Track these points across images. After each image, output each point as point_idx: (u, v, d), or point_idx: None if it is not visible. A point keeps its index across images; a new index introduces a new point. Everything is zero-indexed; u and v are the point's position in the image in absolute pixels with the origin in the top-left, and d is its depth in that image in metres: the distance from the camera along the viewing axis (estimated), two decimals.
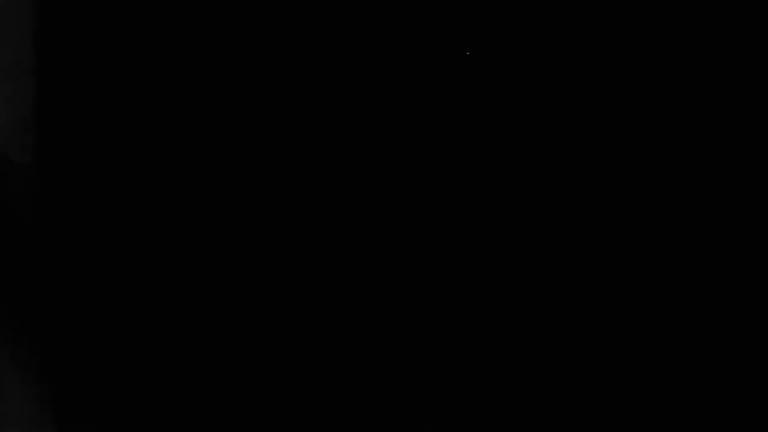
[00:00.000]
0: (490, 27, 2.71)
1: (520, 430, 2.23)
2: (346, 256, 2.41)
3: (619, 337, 2.27)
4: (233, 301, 2.54)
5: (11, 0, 1.51)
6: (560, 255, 2.35)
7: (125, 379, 2.40)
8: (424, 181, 2.33)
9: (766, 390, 2.03)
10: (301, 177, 2.47)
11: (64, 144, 2.30)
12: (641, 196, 2.29)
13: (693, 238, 2.22)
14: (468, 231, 2.40)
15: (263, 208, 2.59)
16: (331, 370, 2.35)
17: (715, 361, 2.16)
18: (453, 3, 2.75)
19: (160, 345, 2.68)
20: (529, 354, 2.28)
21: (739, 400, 2.10)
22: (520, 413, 2.24)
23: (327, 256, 2.41)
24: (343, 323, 2.36)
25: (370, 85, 2.99)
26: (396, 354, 2.32)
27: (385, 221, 2.43)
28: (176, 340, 2.71)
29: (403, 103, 2.87)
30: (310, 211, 2.46)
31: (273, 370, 2.48)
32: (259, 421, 2.50)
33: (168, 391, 2.51)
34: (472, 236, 2.42)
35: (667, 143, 2.41)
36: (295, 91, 2.99)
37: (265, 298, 2.52)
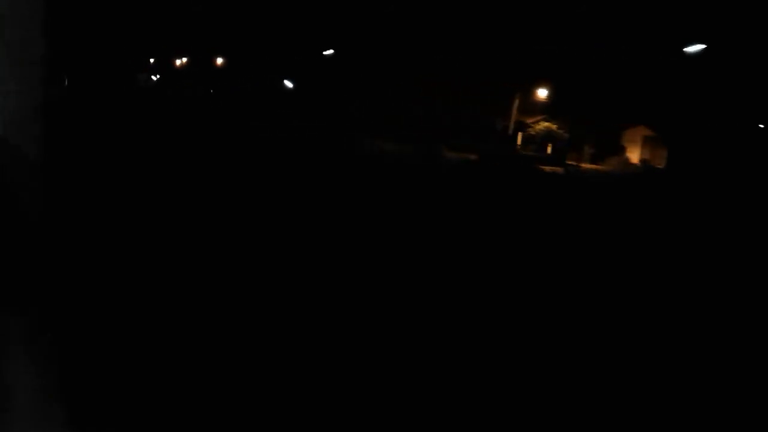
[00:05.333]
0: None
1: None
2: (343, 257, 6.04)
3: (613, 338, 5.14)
4: (236, 295, 5.00)
5: (20, 2, 1.43)
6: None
7: (133, 373, 3.21)
8: None
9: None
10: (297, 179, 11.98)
11: (71, 135, 8.25)
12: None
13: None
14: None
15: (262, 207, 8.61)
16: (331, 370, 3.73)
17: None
18: None
19: (168, 340, 3.88)
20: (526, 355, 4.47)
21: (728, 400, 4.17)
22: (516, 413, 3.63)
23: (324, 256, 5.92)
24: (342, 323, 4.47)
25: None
26: (395, 354, 4.18)
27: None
28: (184, 335, 4.02)
29: None
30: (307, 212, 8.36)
31: (273, 368, 3.78)
32: (260, 419, 3.12)
33: (174, 386, 3.22)
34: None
35: None
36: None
37: (266, 295, 5.02)
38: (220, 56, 72.39)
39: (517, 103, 42.38)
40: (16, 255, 1.63)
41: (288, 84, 59.80)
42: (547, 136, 40.95)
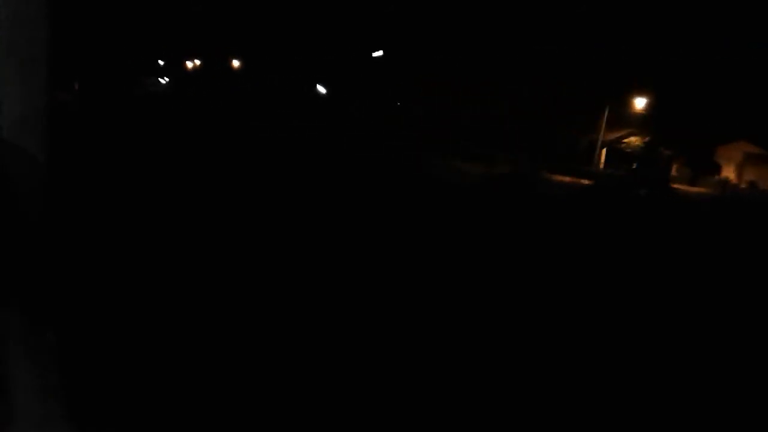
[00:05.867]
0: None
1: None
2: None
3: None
4: (237, 298, 4.88)
5: (24, 1, 1.44)
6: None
7: (133, 373, 3.22)
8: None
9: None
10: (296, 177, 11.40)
11: (73, 138, 9.20)
12: None
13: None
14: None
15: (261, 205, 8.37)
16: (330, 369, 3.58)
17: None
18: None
19: (167, 339, 3.82)
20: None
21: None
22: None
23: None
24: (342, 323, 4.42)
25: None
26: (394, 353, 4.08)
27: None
28: (184, 335, 3.98)
29: None
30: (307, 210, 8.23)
31: (273, 368, 3.67)
32: (260, 419, 3.12)
33: (174, 386, 3.22)
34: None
35: None
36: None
37: (266, 295, 4.96)
38: (236, 58, 67.19)
39: (606, 115, 36.33)
40: (17, 255, 1.62)
41: (321, 89, 53.74)
42: (645, 154, 34.74)
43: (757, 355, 6.22)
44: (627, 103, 38.13)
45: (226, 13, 57.41)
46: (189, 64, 79.78)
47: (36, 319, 1.66)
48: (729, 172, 41.52)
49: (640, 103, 36.52)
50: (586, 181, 29.13)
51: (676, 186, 34.90)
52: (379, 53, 42.20)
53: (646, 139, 36.00)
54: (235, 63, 69.34)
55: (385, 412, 3.84)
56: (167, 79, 73.88)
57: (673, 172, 39.66)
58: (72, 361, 1.93)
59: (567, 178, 31.06)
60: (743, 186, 38.82)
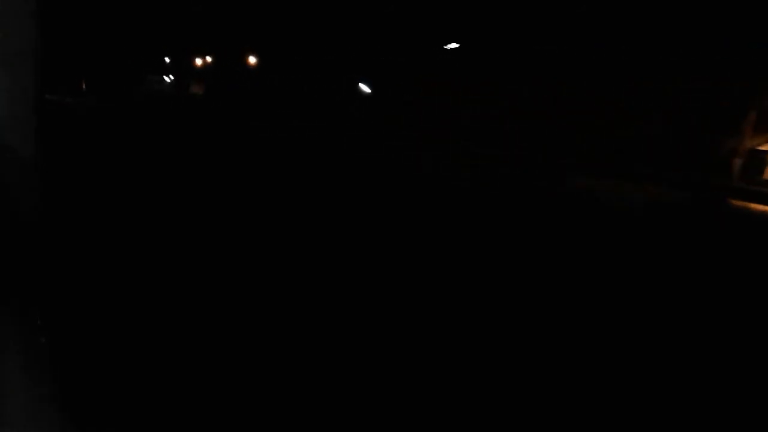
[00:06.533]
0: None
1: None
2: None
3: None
4: (234, 298, 4.20)
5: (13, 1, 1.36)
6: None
7: (129, 376, 2.97)
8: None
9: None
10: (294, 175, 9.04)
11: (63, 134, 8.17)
12: None
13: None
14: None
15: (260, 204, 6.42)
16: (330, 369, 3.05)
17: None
18: None
19: (167, 340, 3.32)
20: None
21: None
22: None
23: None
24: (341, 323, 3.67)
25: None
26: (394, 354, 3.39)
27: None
28: (179, 336, 3.42)
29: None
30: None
31: (272, 368, 3.12)
32: (260, 419, 2.90)
33: (170, 388, 2.96)
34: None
35: None
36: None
37: (265, 296, 4.18)
38: (252, 55, 60.79)
39: (753, 117, 28.92)
40: (10, 257, 1.61)
41: (364, 88, 46.68)
42: None
43: None
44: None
45: (238, 8, 52.71)
46: (199, 61, 73.69)
47: (30, 321, 1.59)
48: None
49: None
50: None
51: None
52: (454, 45, 35.28)
53: None
54: (252, 60, 63.14)
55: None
56: (172, 77, 70.33)
57: None
58: (70, 362, 1.81)
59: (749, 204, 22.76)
60: None
